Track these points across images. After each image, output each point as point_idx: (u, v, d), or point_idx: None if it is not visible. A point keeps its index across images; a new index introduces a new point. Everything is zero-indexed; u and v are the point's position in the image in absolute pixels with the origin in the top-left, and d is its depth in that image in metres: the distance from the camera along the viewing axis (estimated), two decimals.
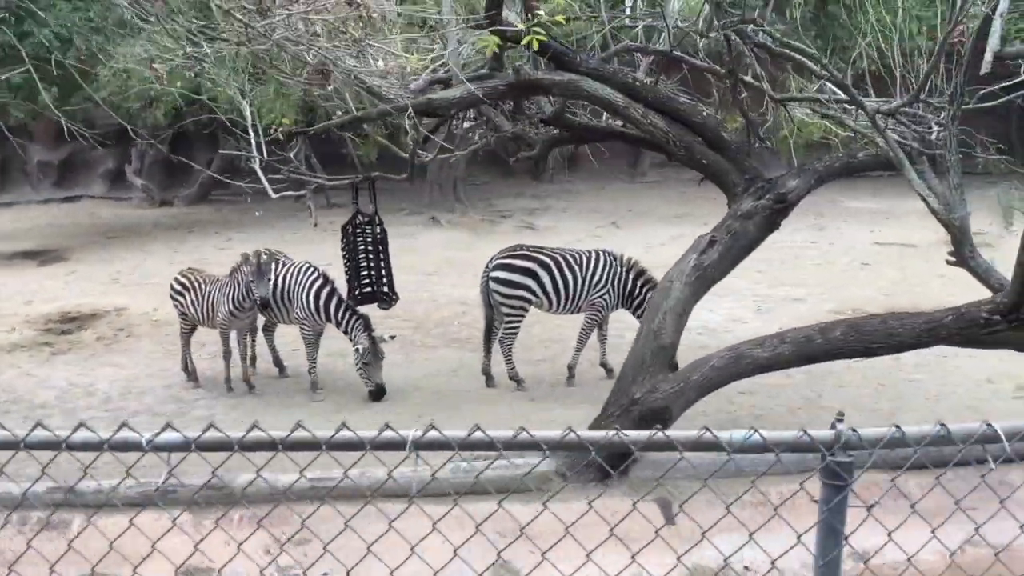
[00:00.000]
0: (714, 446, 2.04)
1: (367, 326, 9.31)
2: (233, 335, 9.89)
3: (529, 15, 7.25)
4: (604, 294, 9.81)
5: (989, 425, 2.06)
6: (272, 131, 7.40)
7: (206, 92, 10.96)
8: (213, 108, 8.54)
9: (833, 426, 2.32)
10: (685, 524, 7.18)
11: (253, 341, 10.55)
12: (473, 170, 22.89)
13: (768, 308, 13.02)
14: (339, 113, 7.69)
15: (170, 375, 10.52)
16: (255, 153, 9.50)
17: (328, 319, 9.57)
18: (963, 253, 7.47)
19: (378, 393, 9.36)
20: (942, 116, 7.73)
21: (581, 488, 7.28)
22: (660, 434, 2.00)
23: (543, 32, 6.23)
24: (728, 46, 7.88)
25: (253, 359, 10.56)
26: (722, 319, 12.46)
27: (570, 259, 9.84)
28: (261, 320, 10.43)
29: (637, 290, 9.80)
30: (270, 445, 2.03)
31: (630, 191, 22.70)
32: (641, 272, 9.89)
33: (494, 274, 9.80)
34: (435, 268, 15.85)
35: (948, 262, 7.91)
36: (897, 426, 2.02)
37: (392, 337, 9.64)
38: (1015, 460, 4.64)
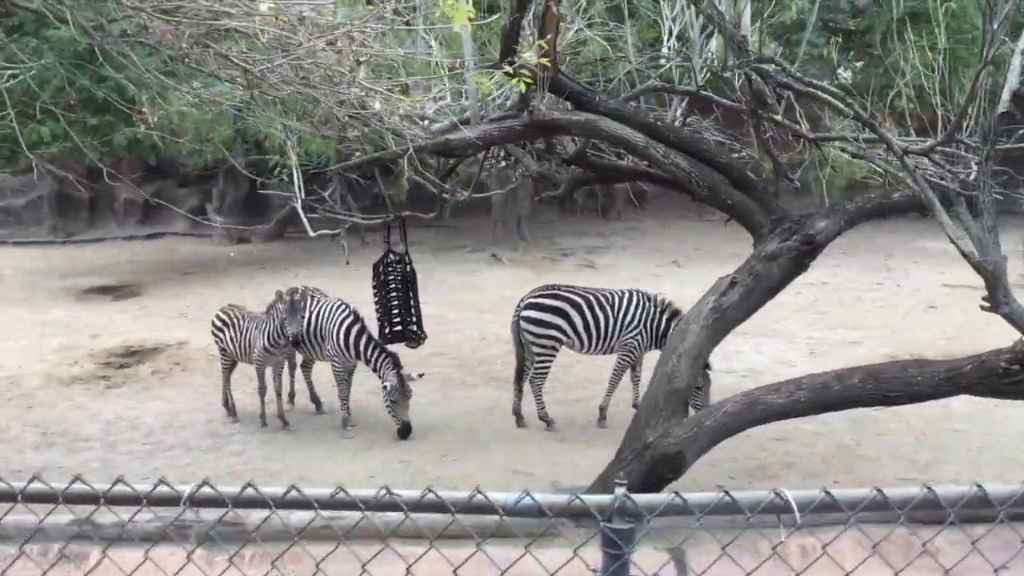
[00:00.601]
0: (488, 508, 1.98)
1: (396, 364, 9.37)
2: (268, 371, 10.05)
3: (543, 50, 7.29)
4: (636, 335, 9.69)
5: (778, 495, 1.96)
6: (277, 173, 7.53)
7: (255, 134, 11.28)
8: (222, 151, 8.70)
9: (612, 491, 2.23)
10: None
11: (292, 377, 10.73)
12: (539, 208, 22.97)
13: (822, 351, 12.67)
14: (358, 154, 7.80)
15: (213, 410, 10.71)
16: (297, 192, 9.73)
17: (358, 356, 9.66)
18: (997, 298, 7.18)
19: (405, 431, 9.40)
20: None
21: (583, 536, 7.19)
22: (384, 492, 1.96)
23: (531, 75, 6.25)
24: (749, 85, 7.78)
25: (292, 395, 10.74)
26: (769, 361, 12.19)
27: (602, 299, 9.77)
28: (300, 357, 10.61)
29: (671, 331, 9.64)
30: (51, 497, 2.05)
31: (697, 229, 22.41)
32: (675, 313, 9.75)
33: (524, 313, 9.79)
34: (491, 306, 15.86)
35: (982, 307, 7.62)
36: (677, 492, 1.93)
37: (420, 375, 9.68)
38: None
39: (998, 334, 12.50)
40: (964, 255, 7.22)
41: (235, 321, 10.18)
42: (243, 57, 5.60)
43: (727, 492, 1.96)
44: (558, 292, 9.86)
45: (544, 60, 6.14)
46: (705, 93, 8.44)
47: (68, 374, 12.64)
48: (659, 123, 8.00)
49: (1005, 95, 6.48)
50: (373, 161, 7.82)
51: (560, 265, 19.43)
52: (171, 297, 17.80)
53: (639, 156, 7.92)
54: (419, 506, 2.06)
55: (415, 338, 9.82)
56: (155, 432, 10.11)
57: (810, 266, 8.18)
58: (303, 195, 9.41)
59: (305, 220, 9.88)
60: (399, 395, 9.31)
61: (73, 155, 17.98)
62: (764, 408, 6.97)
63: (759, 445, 9.17)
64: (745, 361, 12.33)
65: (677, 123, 8.88)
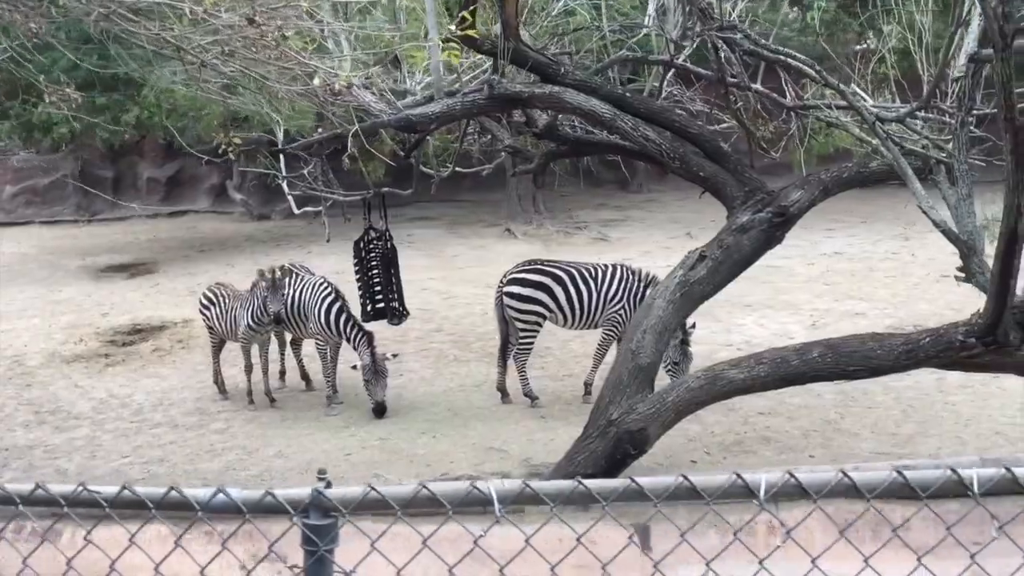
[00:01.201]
0: (185, 505, 1.91)
1: (370, 343, 9.33)
2: (254, 349, 10.08)
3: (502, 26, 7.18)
4: (620, 309, 9.57)
5: (475, 487, 1.87)
6: (221, 150, 7.49)
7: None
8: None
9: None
10: (661, 550, 6.97)
11: (283, 355, 10.77)
12: (562, 180, 22.82)
13: (824, 323, 12.43)
14: (320, 130, 7.75)
15: (205, 387, 10.79)
16: (281, 170, 9.72)
17: (339, 334, 9.64)
18: (971, 268, 7.00)
19: (379, 410, 9.36)
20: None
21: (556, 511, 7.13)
22: (81, 488, 1.91)
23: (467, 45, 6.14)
24: (716, 53, 7.60)
25: (283, 373, 10.79)
26: (769, 334, 11.97)
27: (585, 273, 9.65)
28: (289, 335, 10.63)
29: None
30: (10, 501, 2.04)
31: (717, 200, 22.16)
32: None
33: (507, 289, 9.71)
34: (497, 280, 15.79)
35: (957, 278, 7.44)
36: (373, 487, 1.85)
37: (395, 355, 9.61)
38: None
39: None
40: (935, 224, 7.06)
41: (221, 299, 10.22)
42: (178, 37, 5.56)
43: (424, 485, 1.88)
44: (541, 267, 9.77)
45: (472, 33, 5.99)
46: (680, 63, 8.28)
47: (72, 352, 12.78)
48: (628, 94, 7.85)
49: (960, 59, 6.25)
50: (336, 138, 7.75)
51: (573, 238, 19.30)
52: (183, 275, 17.93)
53: (606, 128, 7.76)
54: (116, 502, 2.00)
55: (397, 315, 9.76)
56: (144, 410, 10.21)
57: (784, 238, 7.98)
58: (284, 172, 9.43)
59: (291, 199, 9.92)
60: (371, 374, 9.27)
61: (85, 134, 18.21)
62: (725, 383, 6.83)
63: (743, 419, 9.05)
64: (745, 334, 12.14)
65: (661, 94, 8.74)
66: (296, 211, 9.99)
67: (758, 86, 8.36)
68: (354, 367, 9.47)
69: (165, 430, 9.53)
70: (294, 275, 10.27)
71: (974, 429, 8.43)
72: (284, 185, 10.45)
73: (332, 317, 9.59)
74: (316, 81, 5.82)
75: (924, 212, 7.09)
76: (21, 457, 8.86)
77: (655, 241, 18.19)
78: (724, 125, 9.44)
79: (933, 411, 9.01)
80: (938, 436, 8.33)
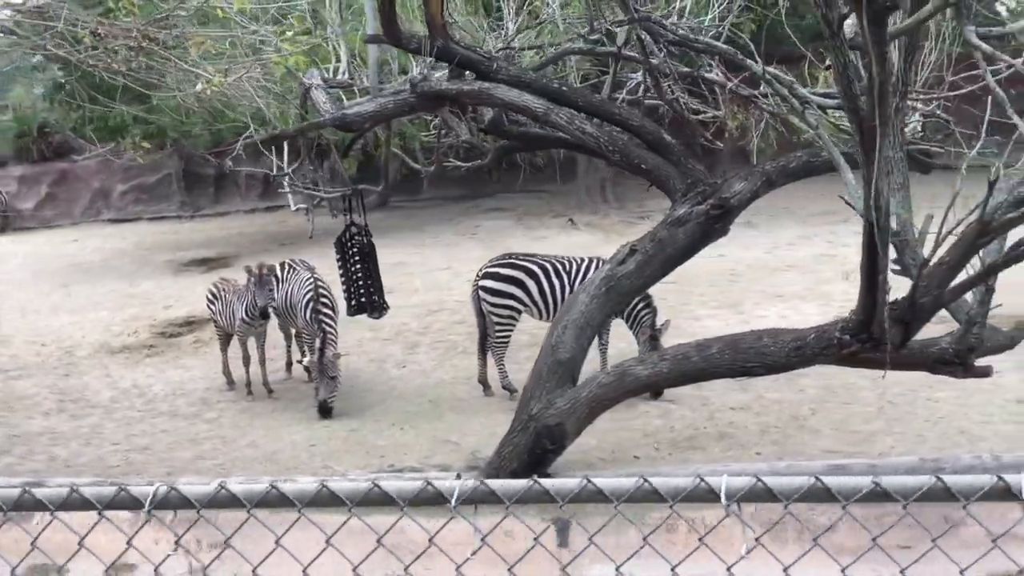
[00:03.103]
0: None
1: (323, 342, 9.52)
2: (251, 341, 10.49)
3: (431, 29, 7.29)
4: None
5: (124, 490, 2.03)
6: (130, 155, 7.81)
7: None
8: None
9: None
10: (578, 546, 6.95)
11: (288, 348, 11.17)
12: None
13: None
14: (262, 131, 8.02)
15: (218, 378, 11.26)
16: (286, 169, 10.10)
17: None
18: (904, 261, 6.73)
19: (322, 410, 9.50)
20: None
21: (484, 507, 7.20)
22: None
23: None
24: (640, 44, 7.49)
25: (289, 364, 11.19)
26: (792, 324, 11.61)
27: (558, 266, 9.65)
28: (294, 329, 11.01)
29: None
30: None
31: (794, 187, 21.47)
32: None
33: (482, 283, 9.79)
34: None
35: (894, 271, 7.14)
36: None
37: (338, 356, 9.75)
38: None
39: None
40: (861, 215, 6.79)
41: (223, 294, 10.67)
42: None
43: (77, 489, 2.04)
44: (514, 261, 9.81)
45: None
46: (628, 54, 8.18)
47: (121, 344, 13.54)
48: (565, 88, 7.80)
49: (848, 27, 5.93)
50: (274, 138, 8.01)
51: (634, 228, 19.11)
52: None
53: (540, 123, 7.74)
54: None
55: (377, 308, 9.96)
56: (156, 399, 10.76)
57: (728, 230, 7.83)
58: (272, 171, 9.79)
59: (290, 196, 10.28)
60: (317, 372, 9.51)
61: (157, 136, 19.12)
62: (632, 379, 6.77)
63: (710, 414, 8.89)
64: (762, 327, 11.82)
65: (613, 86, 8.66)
66: (293, 208, 10.37)
67: (716, 75, 8.18)
68: (299, 361, 9.75)
69: (164, 419, 10.03)
70: (292, 270, 10.64)
71: (942, 428, 8.02)
72: (286, 183, 10.83)
73: (309, 313, 9.89)
74: (198, 87, 6.07)
75: (848, 203, 6.83)
76: (27, 444, 9.48)
77: None
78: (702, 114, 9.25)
79: (912, 408, 8.61)
80: (900, 435, 7.96)
